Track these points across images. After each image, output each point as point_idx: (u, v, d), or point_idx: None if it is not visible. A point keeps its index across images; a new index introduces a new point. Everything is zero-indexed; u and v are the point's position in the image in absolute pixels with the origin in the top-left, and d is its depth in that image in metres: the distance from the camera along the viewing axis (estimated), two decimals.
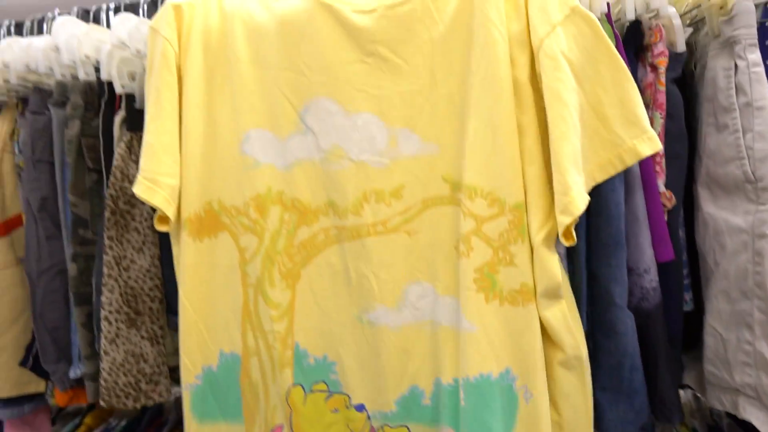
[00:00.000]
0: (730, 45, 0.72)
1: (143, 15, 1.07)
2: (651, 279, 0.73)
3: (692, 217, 0.78)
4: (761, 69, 0.69)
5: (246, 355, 0.79)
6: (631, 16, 0.79)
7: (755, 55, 0.70)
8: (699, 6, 0.80)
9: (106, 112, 0.94)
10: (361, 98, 0.74)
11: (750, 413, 0.70)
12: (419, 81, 0.73)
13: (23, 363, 1.02)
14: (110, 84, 0.93)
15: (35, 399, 1.06)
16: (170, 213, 0.76)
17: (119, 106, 0.93)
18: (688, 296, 0.80)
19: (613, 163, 0.66)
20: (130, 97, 0.92)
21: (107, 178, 0.91)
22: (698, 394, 1.51)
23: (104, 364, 0.85)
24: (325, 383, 0.77)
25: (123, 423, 1.78)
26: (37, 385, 1.04)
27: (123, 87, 0.91)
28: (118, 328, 0.86)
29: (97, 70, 0.94)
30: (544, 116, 0.67)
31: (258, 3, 0.78)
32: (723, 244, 0.71)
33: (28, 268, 0.97)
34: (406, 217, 0.74)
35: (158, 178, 0.76)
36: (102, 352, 0.86)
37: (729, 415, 1.58)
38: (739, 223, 0.69)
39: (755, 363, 0.69)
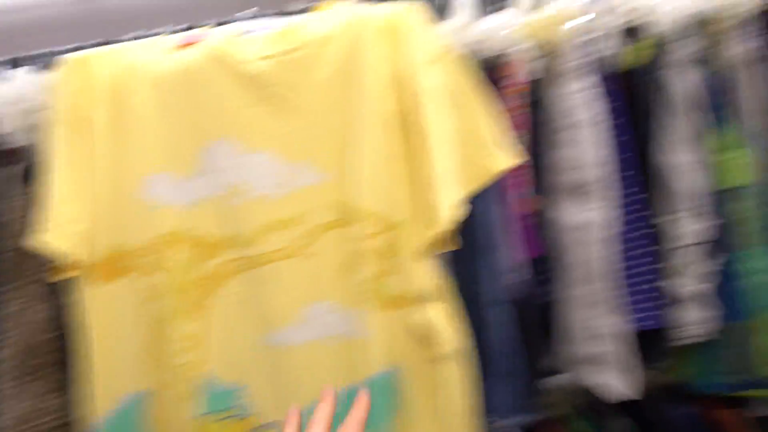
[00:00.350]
0: (563, 74, 0.86)
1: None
2: (517, 276, 0.86)
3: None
4: (586, 93, 0.85)
5: (155, 392, 0.81)
6: (491, 53, 0.90)
7: (582, 83, 0.85)
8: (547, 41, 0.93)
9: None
10: (259, 137, 0.80)
11: (599, 378, 0.85)
12: (311, 118, 0.80)
13: None
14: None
15: None
16: (74, 259, 0.78)
17: (12, 161, 0.91)
18: (549, 288, 0.94)
19: (482, 177, 0.78)
20: (28, 150, 0.90)
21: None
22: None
23: (7, 421, 0.84)
24: (234, 409, 0.82)
25: None
26: None
27: (20, 139, 0.89)
28: (19, 383, 0.85)
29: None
30: (418, 143, 0.77)
31: (158, 53, 0.82)
32: (566, 239, 0.86)
33: None
34: (304, 242, 0.81)
35: (63, 225, 0.77)
36: (3, 408, 0.84)
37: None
38: (576, 221, 0.85)
39: (599, 336, 0.84)
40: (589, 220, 0.84)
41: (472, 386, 0.79)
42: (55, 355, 0.88)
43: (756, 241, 0.90)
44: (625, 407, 1.65)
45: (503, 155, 0.78)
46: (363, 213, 0.78)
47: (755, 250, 0.90)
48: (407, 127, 0.79)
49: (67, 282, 0.89)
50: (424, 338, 0.78)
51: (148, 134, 0.80)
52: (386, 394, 0.78)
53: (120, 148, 0.81)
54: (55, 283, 0.88)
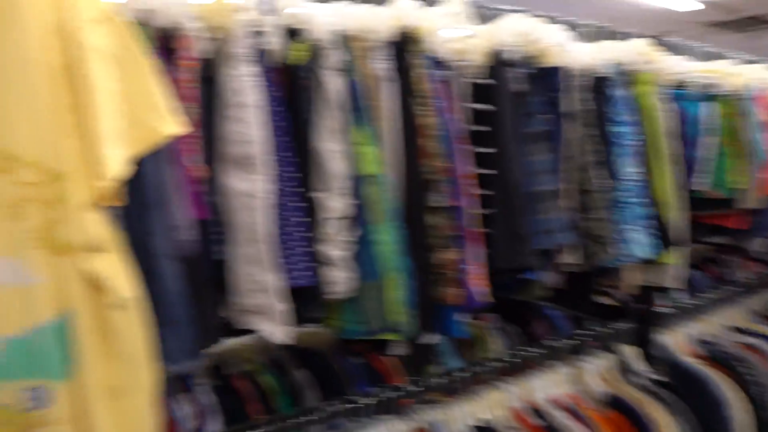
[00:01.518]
0: (233, 58, 0.98)
1: None
2: (190, 233, 0.93)
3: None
4: (252, 78, 0.98)
5: None
6: (163, 25, 0.96)
7: (248, 68, 0.98)
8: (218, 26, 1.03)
9: None
10: None
11: (259, 325, 0.98)
12: None
13: None
14: None
15: None
16: None
17: None
18: (221, 248, 1.03)
19: (144, 140, 0.83)
20: None
21: None
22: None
23: None
24: None
25: None
26: None
27: None
28: None
29: None
30: (83, 97, 0.79)
31: None
32: (234, 205, 0.97)
33: None
34: None
35: None
36: None
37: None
38: (243, 188, 0.97)
39: (260, 289, 0.97)
40: (252, 189, 0.96)
41: (147, 333, 0.83)
42: None
43: (383, 218, 1.14)
44: (304, 360, 1.86)
45: (170, 121, 0.84)
46: (20, 161, 0.76)
47: (383, 225, 1.14)
48: (72, 80, 0.79)
49: None
50: (96, 286, 0.79)
51: None
52: (59, 340, 0.77)
53: None
54: None
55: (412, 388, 1.47)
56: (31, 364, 0.78)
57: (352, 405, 1.36)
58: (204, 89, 1.00)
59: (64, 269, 0.79)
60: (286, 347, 2.00)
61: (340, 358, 1.93)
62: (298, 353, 1.97)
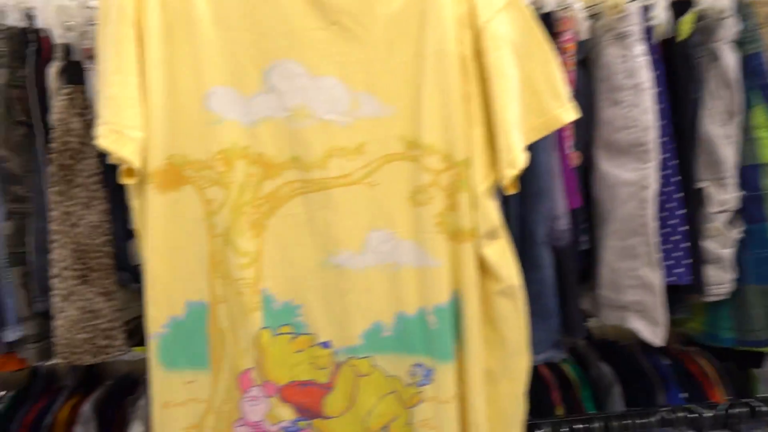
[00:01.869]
0: (621, 37, 0.90)
1: None
2: (564, 223, 0.90)
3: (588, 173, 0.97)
4: (646, 58, 0.88)
5: (214, 303, 0.83)
6: (547, 8, 0.94)
7: (642, 47, 0.88)
8: (598, 3, 0.97)
9: (38, 63, 0.90)
10: (325, 63, 0.81)
11: (634, 323, 0.91)
12: (377, 50, 0.81)
13: None
14: (38, 32, 0.89)
15: None
16: (136, 165, 0.78)
17: (50, 57, 0.89)
18: (584, 238, 0.99)
19: (542, 128, 0.81)
20: (68, 48, 0.89)
21: (45, 133, 0.88)
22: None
23: (60, 322, 0.84)
24: (290, 326, 0.84)
25: (10, 395, 1.64)
26: None
27: (61, 37, 0.88)
28: (70, 285, 0.85)
29: (28, 17, 0.90)
30: (485, 87, 0.80)
31: None
32: (616, 194, 0.90)
33: None
34: (368, 171, 0.83)
35: (125, 130, 0.77)
36: (55, 310, 0.84)
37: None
38: (629, 178, 0.89)
39: (639, 285, 0.89)
40: (641, 178, 0.88)
41: (526, 321, 0.83)
42: (104, 261, 0.88)
43: None
44: (607, 354, 1.75)
45: (567, 108, 0.81)
46: (429, 149, 0.80)
47: None
48: (477, 69, 0.81)
49: (120, 188, 0.89)
50: (486, 272, 0.82)
51: (208, 46, 0.80)
52: (449, 322, 0.82)
53: (177, 57, 0.80)
54: (105, 189, 0.88)
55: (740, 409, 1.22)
56: (421, 342, 0.84)
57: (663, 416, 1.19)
58: (579, 72, 0.95)
59: (459, 254, 0.82)
60: (587, 337, 1.92)
61: (649, 355, 1.76)
62: (600, 345, 1.87)
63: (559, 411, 1.30)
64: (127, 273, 0.92)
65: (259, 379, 0.84)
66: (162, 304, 0.82)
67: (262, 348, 0.83)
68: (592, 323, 1.98)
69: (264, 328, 0.83)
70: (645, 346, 1.81)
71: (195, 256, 0.82)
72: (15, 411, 1.55)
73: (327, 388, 0.85)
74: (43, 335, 0.90)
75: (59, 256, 0.84)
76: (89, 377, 1.71)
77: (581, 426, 1.11)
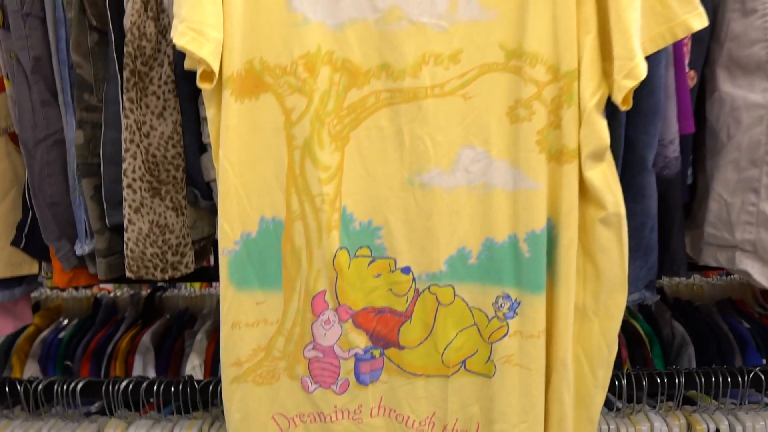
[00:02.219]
0: None
1: None
2: (674, 149, 0.81)
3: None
4: None
5: (290, 220, 0.78)
6: None
7: None
8: None
9: None
10: None
11: (746, 265, 0.82)
12: None
13: (15, 242, 0.94)
14: None
15: (25, 281, 1.00)
16: (215, 68, 0.72)
17: None
18: (689, 170, 0.89)
19: (665, 36, 0.71)
20: None
21: (115, 38, 0.84)
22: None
23: (129, 235, 0.82)
24: (369, 248, 0.79)
25: (75, 322, 1.68)
26: (30, 266, 0.97)
27: None
28: (142, 197, 0.82)
29: None
30: None
31: None
32: (739, 119, 0.80)
33: (23, 137, 0.88)
34: (463, 81, 0.75)
35: (204, 29, 0.71)
36: (126, 222, 0.81)
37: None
38: (757, 100, 0.78)
39: (757, 222, 0.80)
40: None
41: (625, 255, 0.75)
42: (176, 174, 0.84)
43: None
44: (681, 312, 1.66)
45: (693, 14, 0.69)
46: (533, 58, 0.72)
47: None
48: None
49: (192, 100, 0.84)
50: (587, 197, 0.74)
51: None
52: (542, 252, 0.75)
53: None
54: (179, 98, 0.83)
55: None
56: (510, 271, 0.77)
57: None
58: None
59: (560, 176, 0.74)
60: (659, 295, 1.82)
61: (725, 317, 1.66)
62: (673, 304, 1.77)
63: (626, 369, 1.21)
64: (198, 189, 0.88)
65: (333, 302, 0.79)
66: (235, 219, 0.78)
67: (338, 270, 0.78)
68: (664, 281, 1.88)
69: (341, 248, 0.78)
70: (721, 308, 1.71)
71: (272, 169, 0.77)
72: (79, 339, 1.59)
73: (404, 316, 0.80)
74: (114, 250, 0.88)
75: (130, 166, 0.81)
76: (149, 310, 1.73)
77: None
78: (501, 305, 0.78)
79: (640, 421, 1.11)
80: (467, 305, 0.79)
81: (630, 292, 0.83)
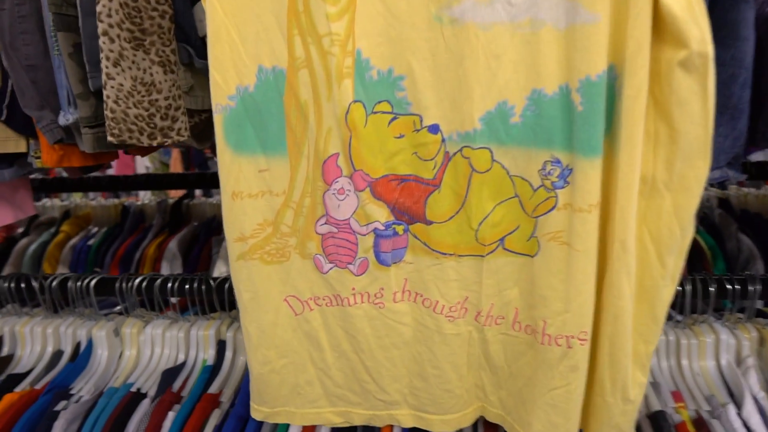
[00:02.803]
0: None
1: None
2: None
3: None
4: None
5: (293, 69, 0.65)
6: None
7: None
8: None
9: None
10: None
11: None
12: None
13: None
14: None
15: (16, 164, 0.91)
16: None
17: None
18: None
19: None
20: None
21: None
22: None
23: (109, 92, 0.70)
24: (389, 103, 0.65)
25: (103, 230, 1.67)
26: (16, 144, 0.88)
27: None
28: (121, 47, 0.69)
29: None
30: None
31: None
32: None
33: None
34: None
35: None
36: (105, 77, 0.70)
37: (721, 204, 1.63)
38: None
39: None
40: None
41: (711, 112, 0.59)
42: (161, 22, 0.71)
43: None
44: (747, 224, 1.50)
45: None
46: None
47: None
48: None
49: None
50: (659, 34, 0.58)
51: None
52: (597, 105, 0.60)
53: None
54: None
55: None
56: (560, 130, 0.63)
57: None
58: None
59: (625, 5, 0.58)
60: (723, 205, 1.63)
61: None
62: (740, 216, 1.59)
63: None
64: (191, 47, 0.75)
65: (348, 168, 0.67)
66: (228, 69, 0.65)
67: (351, 128, 0.65)
68: (730, 191, 1.69)
69: (355, 102, 0.64)
70: None
71: (269, 7, 0.63)
72: (108, 246, 1.58)
73: (432, 185, 0.67)
74: (101, 119, 0.77)
75: (105, 9, 0.68)
76: (176, 217, 1.70)
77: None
78: (549, 172, 0.64)
79: (704, 332, 0.97)
80: (507, 173, 0.66)
81: (710, 168, 0.68)
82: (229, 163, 0.68)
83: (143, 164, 3.11)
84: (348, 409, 0.80)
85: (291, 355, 0.77)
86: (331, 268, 0.72)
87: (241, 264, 0.72)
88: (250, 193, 0.69)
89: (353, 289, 0.72)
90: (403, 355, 0.75)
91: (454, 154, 0.65)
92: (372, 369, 0.76)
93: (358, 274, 0.71)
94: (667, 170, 0.63)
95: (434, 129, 0.65)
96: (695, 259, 1.45)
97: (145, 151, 0.95)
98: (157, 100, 0.71)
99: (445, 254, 0.70)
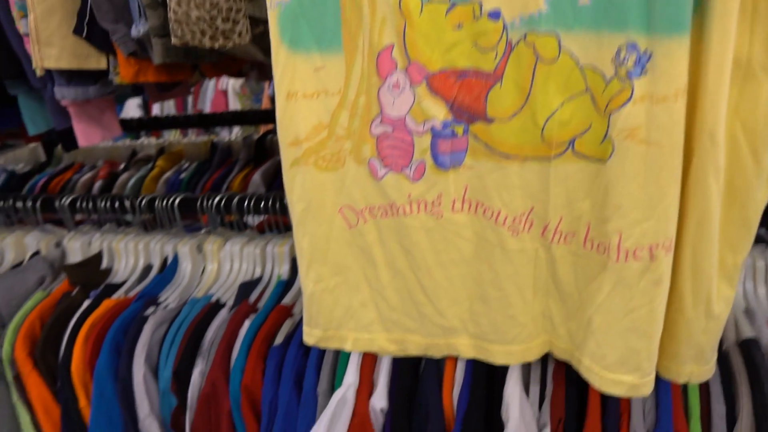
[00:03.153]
0: None
1: None
2: None
3: None
4: None
5: None
6: None
7: None
8: None
9: None
10: None
11: None
12: None
13: (77, 31, 0.89)
14: None
15: (99, 82, 0.96)
16: None
17: None
18: None
19: None
20: None
21: None
22: None
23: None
24: None
25: (194, 165, 1.77)
26: (98, 60, 0.92)
27: None
28: None
29: None
30: None
31: None
32: None
33: None
34: None
35: None
36: None
37: None
38: None
39: None
40: None
41: None
42: None
43: None
44: None
45: None
46: None
47: None
48: None
49: None
50: None
51: None
52: None
53: None
54: None
55: None
56: (637, 10, 0.55)
57: None
58: None
59: None
60: None
61: None
62: None
63: None
64: None
65: (403, 60, 0.63)
66: None
67: (408, 14, 0.61)
68: None
69: None
70: None
71: None
72: (198, 179, 1.68)
73: (493, 78, 0.62)
74: (169, 28, 0.79)
75: None
76: (260, 152, 1.77)
77: None
78: (624, 59, 0.57)
79: None
80: (577, 63, 0.59)
81: None
82: (284, 61, 0.66)
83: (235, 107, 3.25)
84: (403, 336, 0.76)
85: (345, 273, 0.74)
86: (386, 173, 0.69)
87: (295, 171, 0.70)
88: (305, 93, 0.67)
89: (409, 196, 0.68)
90: (463, 274, 0.71)
91: (517, 42, 0.60)
92: (429, 289, 0.72)
93: (415, 179, 0.68)
94: (766, 51, 0.55)
95: (495, 15, 0.60)
96: None
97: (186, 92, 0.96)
98: (218, 2, 0.71)
99: (508, 156, 0.65)
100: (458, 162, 0.67)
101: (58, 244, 1.21)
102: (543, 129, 0.62)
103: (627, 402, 0.78)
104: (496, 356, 0.73)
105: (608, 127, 0.60)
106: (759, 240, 0.93)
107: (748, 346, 0.78)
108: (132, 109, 3.07)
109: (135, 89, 1.23)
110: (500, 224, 0.68)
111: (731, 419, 0.75)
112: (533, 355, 0.74)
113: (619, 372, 0.66)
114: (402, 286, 0.73)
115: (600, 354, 0.67)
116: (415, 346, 0.76)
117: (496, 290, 0.70)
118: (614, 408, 0.78)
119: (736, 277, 0.65)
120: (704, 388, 0.77)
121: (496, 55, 0.61)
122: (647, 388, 0.66)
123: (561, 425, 0.80)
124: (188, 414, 0.94)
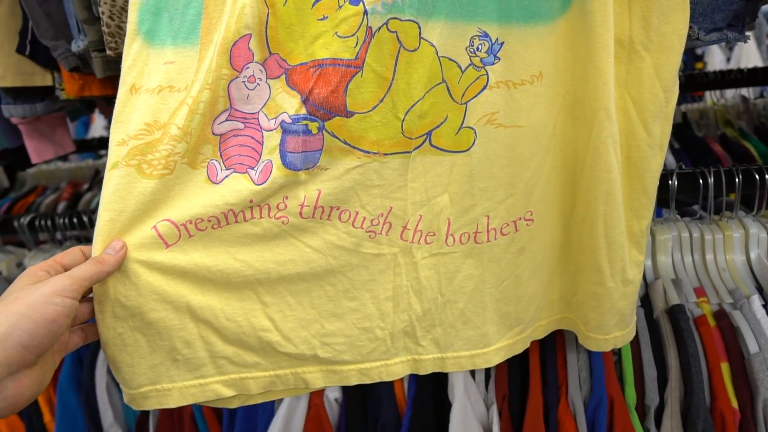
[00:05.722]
0: None
1: None
2: None
3: None
4: None
5: None
6: None
7: None
8: None
9: None
10: None
11: None
12: None
13: (20, 50, 0.92)
14: None
15: (47, 99, 0.99)
16: None
17: None
18: None
19: None
20: None
21: None
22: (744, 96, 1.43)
23: (103, 8, 0.74)
24: None
25: None
26: (42, 77, 0.95)
27: None
28: None
29: None
30: None
31: None
32: None
33: None
34: None
35: None
36: None
37: None
38: None
39: None
40: None
41: None
42: None
43: None
44: None
45: None
46: None
47: None
48: None
49: None
50: None
51: None
52: None
53: None
54: None
55: None
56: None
57: None
58: None
59: None
60: None
61: None
62: None
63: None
64: None
65: (262, 51, 0.57)
66: None
67: (271, 5, 0.56)
68: None
69: None
70: None
71: None
72: None
73: (353, 66, 0.58)
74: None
75: None
76: None
77: None
78: (477, 48, 0.60)
79: (731, 226, 0.92)
80: (436, 52, 0.59)
81: (704, 29, 0.64)
82: (135, 53, 0.58)
83: None
84: (241, 375, 0.65)
85: (160, 305, 0.60)
86: (227, 176, 0.59)
87: (111, 175, 0.57)
88: (149, 87, 0.58)
89: (251, 201, 0.59)
90: (312, 289, 0.64)
91: (379, 28, 0.57)
92: (273, 309, 0.63)
93: (259, 182, 0.59)
94: (644, 29, 0.61)
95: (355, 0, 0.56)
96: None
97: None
98: None
99: (368, 152, 0.61)
100: (312, 163, 0.60)
101: (20, 264, 1.22)
102: (403, 122, 0.60)
103: (564, 373, 0.82)
104: (350, 377, 0.67)
105: (464, 116, 0.61)
106: (685, 213, 0.99)
107: (675, 312, 0.83)
108: (98, 130, 3.07)
109: (87, 105, 1.25)
110: (357, 227, 0.63)
111: (662, 382, 0.80)
112: (392, 374, 0.68)
113: (497, 342, 0.70)
114: (238, 310, 0.62)
115: (479, 336, 0.69)
116: (256, 383, 0.66)
117: (350, 300, 0.65)
118: (553, 380, 0.82)
119: (644, 242, 0.69)
120: (636, 354, 0.82)
121: (357, 42, 0.57)
122: (522, 344, 0.73)
123: (506, 401, 0.84)
124: (151, 420, 0.96)
